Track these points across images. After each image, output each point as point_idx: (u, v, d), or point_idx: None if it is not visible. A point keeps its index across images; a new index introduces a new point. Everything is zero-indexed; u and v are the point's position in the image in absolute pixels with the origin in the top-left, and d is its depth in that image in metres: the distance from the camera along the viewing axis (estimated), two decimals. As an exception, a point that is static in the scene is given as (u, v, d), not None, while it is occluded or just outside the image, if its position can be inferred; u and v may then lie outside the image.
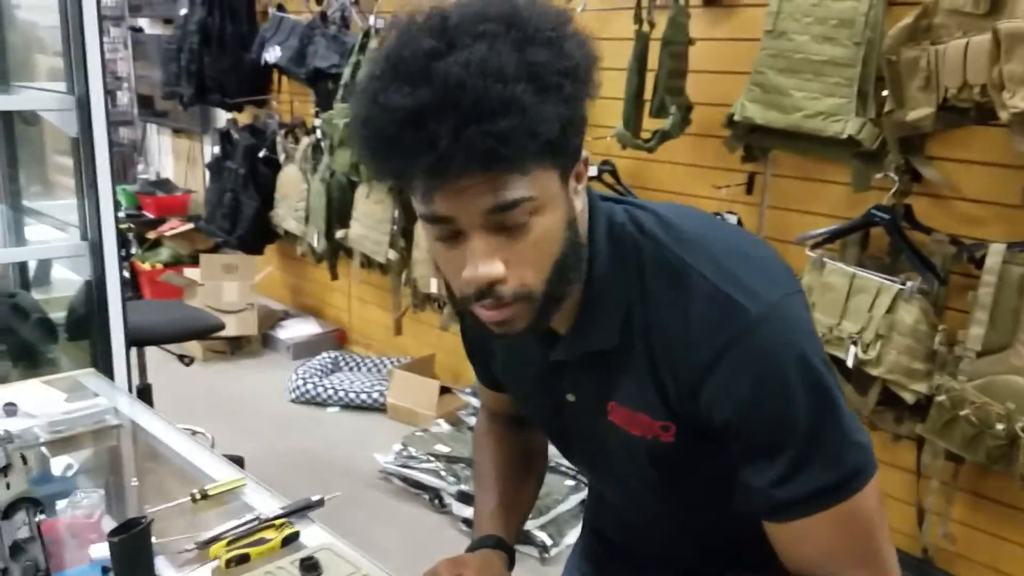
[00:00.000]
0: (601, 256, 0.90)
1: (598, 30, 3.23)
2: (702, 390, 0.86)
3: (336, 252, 4.02)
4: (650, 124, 2.72)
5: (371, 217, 3.64)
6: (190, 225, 5.18)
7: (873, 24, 2.14)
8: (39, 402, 1.60)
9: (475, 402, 3.46)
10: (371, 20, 3.61)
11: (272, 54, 4.02)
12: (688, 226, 0.91)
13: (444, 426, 3.40)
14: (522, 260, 0.82)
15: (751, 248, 0.92)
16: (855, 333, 2.15)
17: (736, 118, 2.40)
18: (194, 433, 3.13)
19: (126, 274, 4.91)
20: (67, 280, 2.43)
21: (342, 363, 4.26)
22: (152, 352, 3.18)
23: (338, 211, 3.88)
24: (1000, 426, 1.93)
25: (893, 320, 2.10)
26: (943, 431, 2.05)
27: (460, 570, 1.04)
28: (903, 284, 2.09)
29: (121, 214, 5.17)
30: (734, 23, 2.66)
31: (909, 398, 2.11)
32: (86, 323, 2.27)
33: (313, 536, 1.20)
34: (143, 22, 5.85)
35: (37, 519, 1.13)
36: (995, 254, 1.98)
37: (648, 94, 2.70)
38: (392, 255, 3.60)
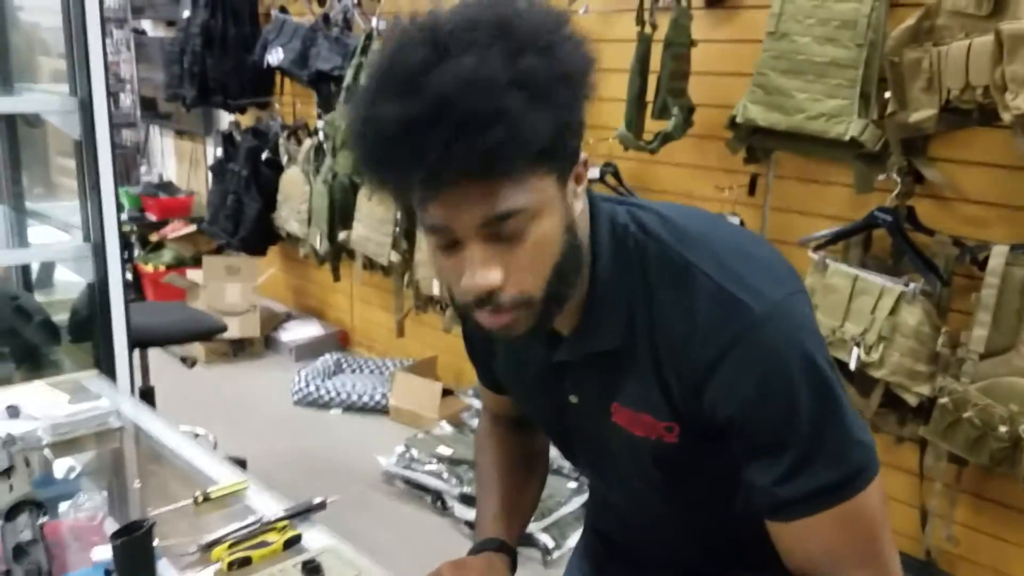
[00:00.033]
0: (604, 257, 0.90)
1: (600, 32, 3.25)
2: (706, 389, 0.86)
3: (338, 254, 4.02)
4: (652, 126, 2.72)
5: (373, 219, 3.65)
6: (193, 227, 5.18)
7: (875, 25, 2.13)
8: (42, 404, 1.60)
9: (477, 404, 3.46)
10: (373, 22, 3.61)
11: (275, 56, 4.02)
12: (691, 225, 0.92)
13: (446, 428, 3.39)
14: (520, 267, 0.82)
15: (754, 247, 0.92)
16: (858, 335, 2.15)
17: (738, 120, 2.40)
18: (197, 435, 3.14)
19: (129, 276, 4.92)
20: (70, 282, 2.43)
21: (344, 365, 4.26)
22: (155, 354, 3.19)
23: (340, 213, 3.89)
24: (1003, 428, 1.93)
25: (896, 322, 2.10)
26: (946, 433, 2.05)
27: (463, 573, 1.04)
28: (906, 286, 2.09)
29: (124, 216, 5.19)
30: (736, 25, 2.66)
31: (912, 400, 2.11)
32: (89, 325, 2.28)
33: (315, 539, 1.20)
34: (146, 24, 5.85)
35: (40, 521, 1.14)
36: (998, 256, 1.98)
37: (650, 96, 2.70)
38: (394, 257, 3.60)
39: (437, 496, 3.01)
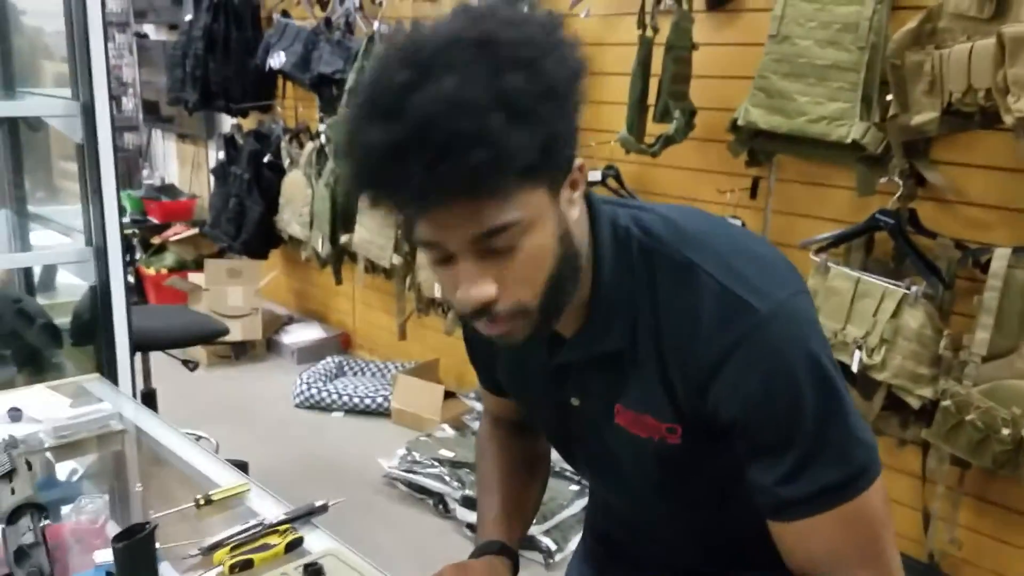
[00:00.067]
0: (606, 259, 0.90)
1: (602, 35, 3.25)
2: (710, 388, 0.86)
3: (340, 257, 4.03)
4: (654, 129, 2.72)
5: (375, 222, 3.65)
6: (195, 230, 5.19)
7: (877, 28, 2.14)
8: (44, 407, 1.60)
9: (479, 407, 3.46)
10: (375, 25, 3.62)
11: (277, 60, 4.03)
12: (693, 226, 0.92)
13: (448, 431, 3.39)
14: (514, 279, 0.82)
15: (757, 247, 0.92)
16: (860, 338, 2.15)
17: (740, 123, 2.40)
18: (198, 438, 3.14)
19: (131, 279, 4.92)
20: (72, 285, 2.44)
21: (346, 368, 4.26)
22: (157, 357, 3.19)
23: (342, 216, 3.89)
24: (1006, 431, 1.93)
25: (898, 324, 2.09)
26: (948, 436, 2.05)
27: (464, 576, 1.04)
28: (908, 288, 2.09)
29: (126, 219, 5.20)
30: (738, 28, 2.66)
31: (914, 403, 2.10)
32: (91, 328, 2.28)
33: (317, 542, 1.20)
34: (148, 28, 5.87)
35: (42, 524, 1.13)
36: (1000, 258, 1.98)
37: (652, 99, 2.70)
38: (396, 260, 3.60)
39: (439, 499, 3.01)
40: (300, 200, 4.09)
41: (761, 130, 2.38)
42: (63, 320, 2.47)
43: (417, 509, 3.05)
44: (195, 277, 4.75)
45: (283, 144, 4.29)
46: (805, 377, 0.83)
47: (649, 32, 2.69)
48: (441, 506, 3.00)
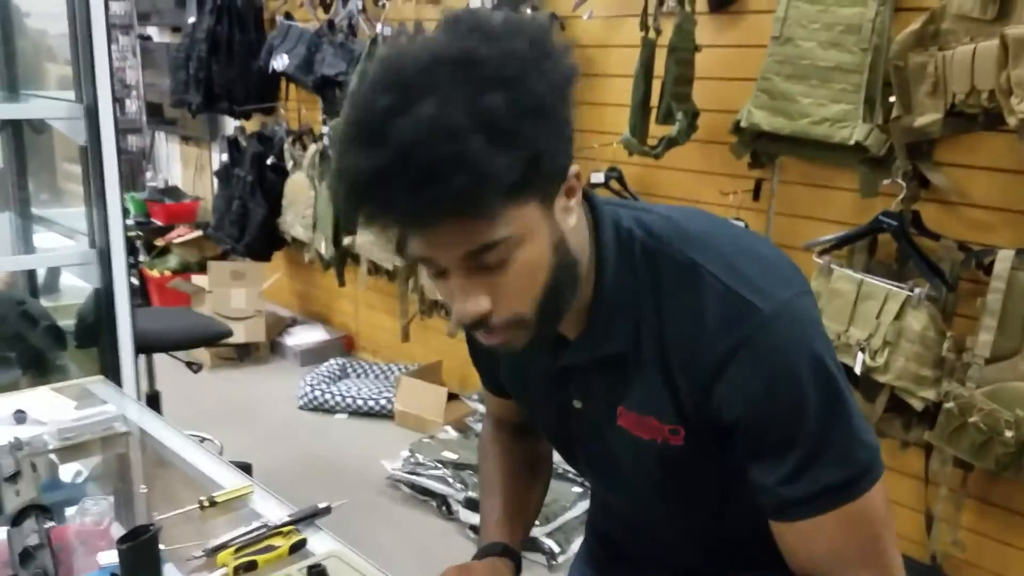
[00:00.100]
0: (609, 261, 0.90)
1: (605, 37, 3.25)
2: (714, 389, 0.86)
3: (344, 259, 4.03)
4: (657, 131, 2.72)
5: (378, 224, 3.65)
6: (198, 232, 5.19)
7: (880, 30, 2.14)
8: (48, 409, 1.61)
9: (482, 408, 3.46)
10: (378, 28, 3.63)
11: (280, 62, 4.03)
12: (696, 227, 0.92)
13: (452, 433, 3.40)
14: (508, 292, 0.83)
15: (760, 247, 0.92)
16: (863, 340, 2.14)
17: (743, 124, 2.40)
18: (202, 440, 3.14)
19: (135, 281, 4.92)
20: (76, 287, 2.45)
21: (350, 370, 4.26)
22: (160, 359, 3.20)
23: (345, 218, 3.89)
24: (1009, 433, 1.93)
25: (901, 326, 2.09)
26: (951, 438, 2.05)
27: (468, 577, 1.04)
28: (911, 290, 2.09)
29: (130, 221, 5.21)
30: (740, 30, 2.66)
31: (917, 405, 2.10)
32: (95, 330, 2.29)
33: (320, 543, 1.21)
34: (152, 30, 5.88)
35: (46, 526, 1.14)
36: (1004, 260, 1.98)
37: (655, 101, 2.70)
38: (399, 262, 3.61)
39: (442, 501, 3.01)
40: (303, 202, 4.09)
41: (764, 132, 2.38)
42: (67, 322, 2.48)
43: (420, 511, 3.05)
44: (199, 279, 4.76)
45: (286, 146, 4.30)
46: (808, 377, 0.84)
47: (652, 34, 2.69)
48: (444, 508, 3.00)
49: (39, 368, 2.43)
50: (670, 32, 2.60)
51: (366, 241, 3.73)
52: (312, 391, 3.93)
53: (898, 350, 2.10)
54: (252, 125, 4.70)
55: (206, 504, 1.29)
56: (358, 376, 4.22)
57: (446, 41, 0.78)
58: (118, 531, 1.14)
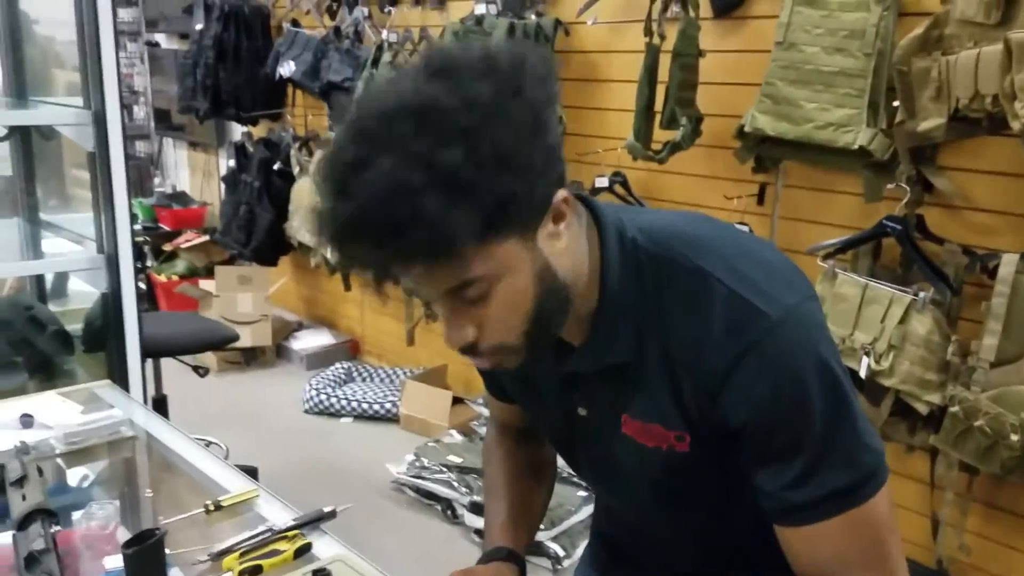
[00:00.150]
0: (613, 269, 0.90)
1: (609, 43, 3.26)
2: (720, 394, 0.87)
3: (349, 263, 4.03)
4: (661, 136, 2.73)
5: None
6: (205, 237, 5.21)
7: (884, 35, 2.14)
8: (55, 414, 1.62)
9: (487, 412, 3.45)
10: (384, 34, 3.64)
11: (286, 68, 4.05)
12: (700, 232, 0.92)
13: (456, 437, 3.40)
14: (492, 323, 0.85)
15: (765, 252, 0.92)
16: (868, 344, 2.14)
17: (747, 129, 2.41)
18: (208, 444, 3.15)
19: (142, 286, 4.94)
20: (83, 292, 2.46)
21: (355, 374, 4.27)
22: (167, 363, 3.21)
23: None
24: (1014, 437, 1.92)
25: (906, 331, 2.09)
26: (957, 442, 2.04)
27: (472, 582, 1.04)
28: (916, 294, 2.09)
29: (138, 226, 5.22)
30: (744, 35, 2.66)
31: (922, 409, 2.10)
32: (102, 335, 2.30)
33: (325, 547, 1.21)
34: (159, 37, 5.90)
35: (52, 530, 1.14)
36: (1008, 264, 1.98)
37: (659, 106, 2.70)
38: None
39: (447, 505, 3.02)
40: (310, 207, 4.10)
41: (768, 136, 2.38)
42: (74, 327, 2.49)
43: (425, 515, 3.06)
44: (206, 284, 4.77)
45: (293, 152, 4.31)
46: (814, 382, 0.84)
47: (656, 39, 2.69)
48: (449, 512, 3.01)
49: (46, 372, 2.44)
50: (674, 37, 2.61)
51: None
52: (317, 395, 3.94)
53: (903, 354, 2.10)
54: (259, 131, 4.71)
55: (212, 508, 1.30)
56: (363, 380, 4.23)
57: (411, 88, 0.78)
58: (124, 535, 1.14)
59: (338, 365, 4.27)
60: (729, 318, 0.85)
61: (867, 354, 2.14)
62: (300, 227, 4.20)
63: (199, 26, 4.48)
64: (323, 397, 3.93)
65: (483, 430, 3.43)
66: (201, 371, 3.39)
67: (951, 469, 2.13)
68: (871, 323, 2.15)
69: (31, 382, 2.39)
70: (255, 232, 4.50)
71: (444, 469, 3.10)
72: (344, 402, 3.90)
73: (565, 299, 0.88)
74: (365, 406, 3.87)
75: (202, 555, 1.16)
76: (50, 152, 2.92)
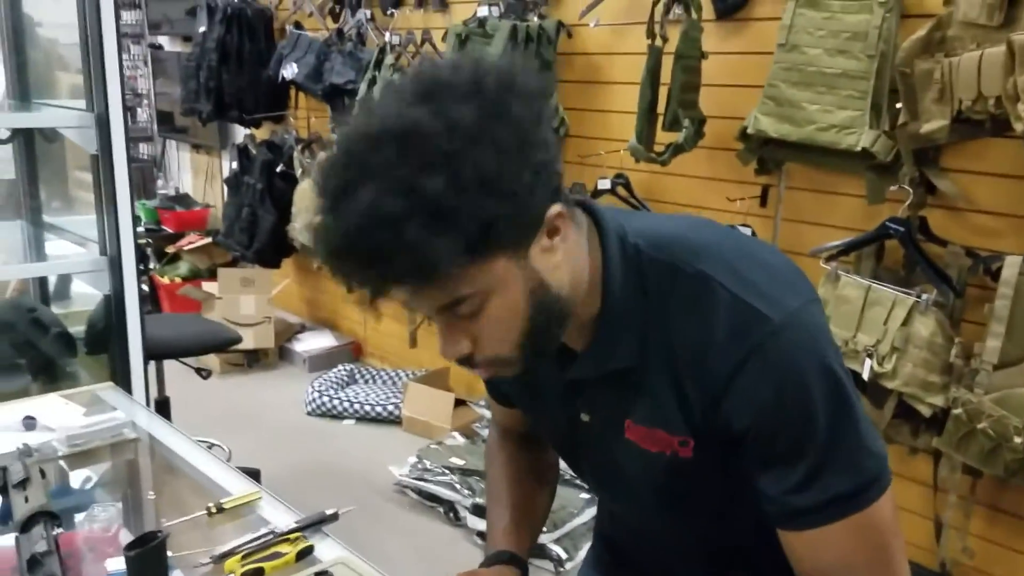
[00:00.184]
0: (615, 276, 0.90)
1: (611, 45, 3.26)
2: (724, 398, 0.86)
3: (352, 266, 4.03)
4: (663, 137, 2.73)
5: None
6: (208, 239, 5.22)
7: (886, 37, 2.14)
8: (58, 416, 1.62)
9: (489, 414, 3.46)
10: (387, 37, 3.64)
11: (289, 71, 4.05)
12: (702, 236, 0.92)
13: (459, 439, 3.40)
14: (486, 337, 0.85)
15: (767, 255, 0.92)
16: (870, 346, 2.14)
17: (749, 131, 2.41)
18: (211, 446, 3.15)
19: (145, 288, 4.95)
20: (86, 295, 2.46)
21: (358, 376, 4.27)
22: (170, 365, 3.21)
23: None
24: (1018, 439, 1.92)
25: (909, 333, 2.09)
26: (960, 444, 2.04)
27: (475, 585, 1.04)
28: (919, 296, 2.08)
29: (141, 229, 5.24)
30: (747, 37, 2.66)
31: (925, 411, 2.10)
32: (105, 337, 2.30)
33: (328, 550, 1.21)
34: (163, 40, 5.92)
35: (55, 533, 1.14)
36: (1011, 266, 1.97)
37: (661, 108, 2.70)
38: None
39: (449, 507, 3.02)
40: (312, 209, 4.11)
41: (771, 138, 2.38)
42: (77, 329, 2.49)
43: (428, 517, 3.06)
44: (208, 286, 4.78)
45: (295, 154, 4.32)
46: (818, 386, 0.84)
47: (658, 41, 2.69)
48: (452, 514, 3.00)
49: (49, 375, 2.44)
50: (676, 39, 2.61)
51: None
52: (320, 397, 3.94)
53: (906, 356, 2.09)
54: (262, 133, 4.72)
55: (214, 510, 1.30)
56: (366, 382, 4.23)
57: (395, 113, 0.78)
58: (126, 537, 1.15)
59: (340, 367, 4.27)
60: (732, 322, 0.85)
61: (870, 356, 2.13)
62: (302, 229, 4.20)
63: (202, 29, 4.49)
64: (325, 399, 3.93)
65: (485, 432, 3.43)
66: (203, 373, 3.39)
67: (954, 472, 2.13)
68: (874, 325, 2.14)
69: (34, 384, 2.39)
70: (258, 234, 4.50)
71: (446, 471, 3.10)
72: (346, 404, 3.90)
73: (560, 312, 0.87)
74: (367, 408, 3.87)
75: (204, 557, 1.16)
76: (53, 154, 2.92)
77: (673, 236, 0.92)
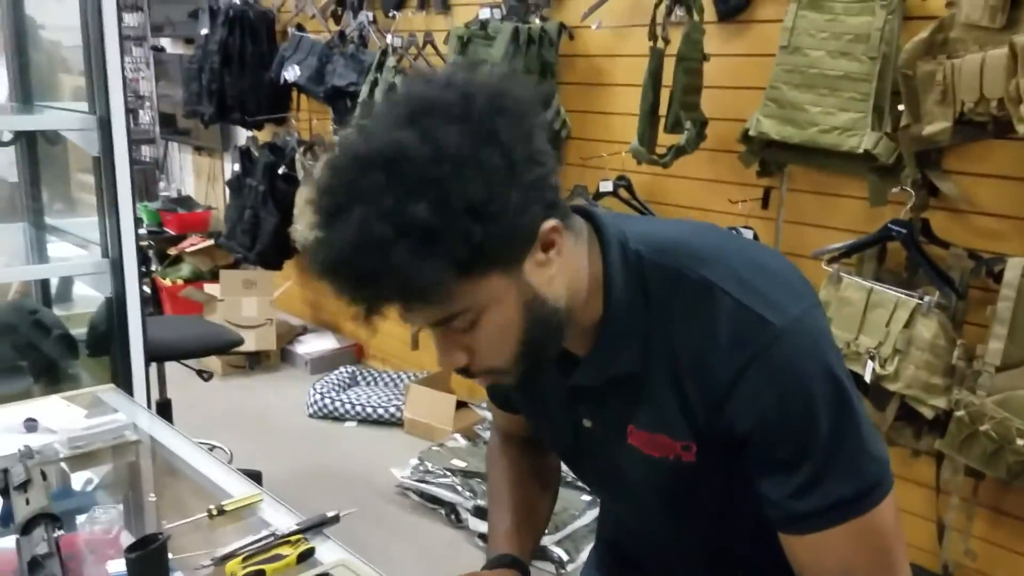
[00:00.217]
0: (617, 283, 0.90)
1: (613, 47, 3.26)
2: (727, 403, 0.87)
3: (354, 267, 4.03)
4: (665, 139, 2.73)
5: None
6: (210, 241, 5.22)
7: (889, 39, 2.14)
8: (59, 418, 1.62)
9: (491, 416, 3.46)
10: (388, 39, 3.64)
11: (291, 73, 4.06)
12: (704, 242, 0.92)
13: (461, 441, 3.40)
14: (482, 349, 0.86)
15: (769, 260, 0.92)
16: (873, 348, 2.14)
17: (751, 133, 2.40)
18: (212, 448, 3.16)
19: (147, 290, 4.95)
20: (88, 297, 2.46)
21: (359, 378, 4.27)
22: (172, 367, 3.21)
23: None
24: (1020, 441, 1.91)
25: (911, 335, 2.09)
26: (962, 446, 2.04)
27: (476, 587, 1.04)
28: (921, 299, 2.08)
29: (143, 230, 5.25)
30: (749, 39, 2.66)
31: (928, 413, 2.09)
32: (106, 339, 2.30)
33: (329, 552, 1.21)
34: (165, 42, 5.93)
35: (56, 535, 1.14)
36: (1014, 268, 1.97)
37: (663, 110, 2.70)
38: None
39: (451, 509, 3.01)
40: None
41: (772, 140, 2.38)
42: (79, 331, 2.49)
43: (429, 519, 3.05)
44: (210, 288, 4.78)
45: (297, 156, 4.32)
46: (820, 391, 0.84)
47: (660, 43, 2.69)
48: (453, 516, 3.00)
49: (51, 376, 2.44)
50: (678, 41, 2.61)
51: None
52: (322, 399, 3.94)
53: (908, 358, 2.09)
54: (264, 135, 4.73)
55: (215, 513, 1.30)
56: (367, 384, 4.23)
57: (384, 135, 0.78)
58: (127, 539, 1.15)
59: (342, 369, 4.27)
60: (734, 328, 0.85)
61: (872, 358, 2.13)
62: (304, 231, 4.20)
63: (204, 31, 4.49)
64: (327, 401, 3.93)
65: (487, 434, 3.42)
66: (205, 375, 3.39)
67: (957, 474, 2.13)
68: (876, 327, 2.14)
69: (35, 386, 2.40)
70: (260, 236, 4.51)
71: (448, 473, 3.10)
72: (348, 406, 3.90)
73: (557, 323, 0.88)
74: (369, 410, 3.87)
75: (205, 560, 1.16)
76: (55, 157, 2.92)
77: (675, 241, 0.92)
